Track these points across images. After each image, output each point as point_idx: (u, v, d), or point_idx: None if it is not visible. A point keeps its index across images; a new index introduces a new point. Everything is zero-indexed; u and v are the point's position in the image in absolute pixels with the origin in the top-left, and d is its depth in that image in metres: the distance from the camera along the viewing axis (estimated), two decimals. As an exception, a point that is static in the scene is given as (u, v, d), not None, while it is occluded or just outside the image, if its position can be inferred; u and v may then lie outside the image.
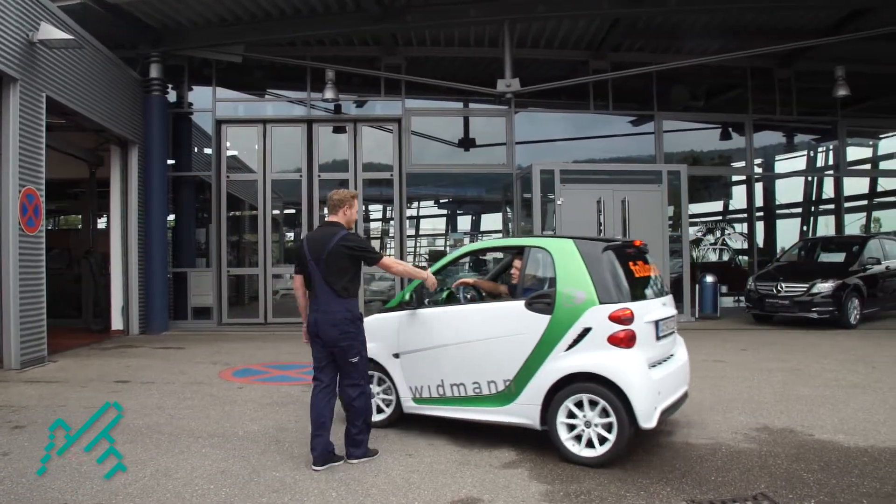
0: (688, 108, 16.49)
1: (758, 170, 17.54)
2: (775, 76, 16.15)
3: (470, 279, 6.66)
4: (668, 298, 5.95)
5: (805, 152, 18.65)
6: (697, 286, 14.48)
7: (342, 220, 5.46)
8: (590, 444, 5.08)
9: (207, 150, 15.34)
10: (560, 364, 5.19)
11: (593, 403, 5.10)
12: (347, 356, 5.25)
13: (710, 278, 14.57)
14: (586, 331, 5.15)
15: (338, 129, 15.75)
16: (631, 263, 5.59)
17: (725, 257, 18.74)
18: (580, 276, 5.31)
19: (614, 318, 5.09)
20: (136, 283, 13.67)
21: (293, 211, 16.54)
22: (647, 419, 4.96)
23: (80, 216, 19.30)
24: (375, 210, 17.54)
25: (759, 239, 17.86)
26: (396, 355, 6.06)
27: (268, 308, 15.15)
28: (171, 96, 15.18)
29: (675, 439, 5.67)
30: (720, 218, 19.00)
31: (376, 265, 5.43)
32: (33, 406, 7.07)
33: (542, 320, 5.33)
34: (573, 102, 16.32)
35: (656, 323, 5.40)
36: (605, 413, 5.05)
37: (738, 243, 18.49)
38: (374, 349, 5.86)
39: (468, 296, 6.23)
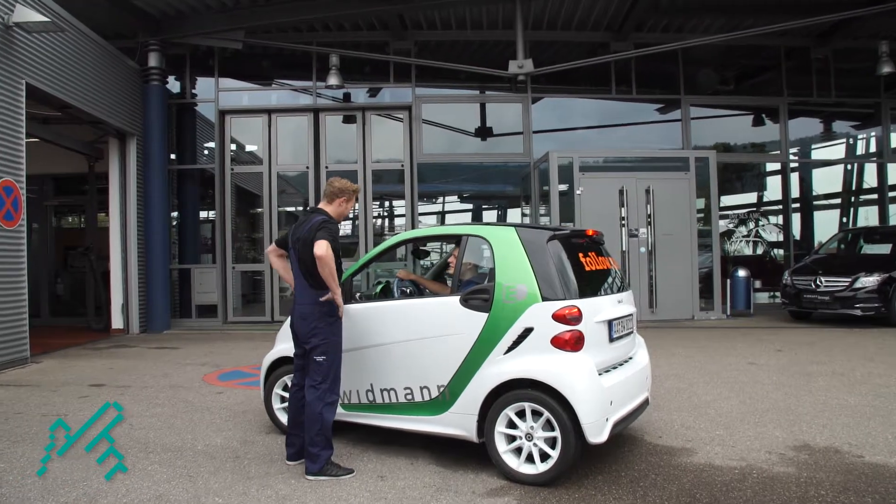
0: (717, 92, 15.43)
1: (793, 157, 16.42)
2: (812, 55, 15.01)
3: (410, 273, 5.91)
4: (626, 295, 5.25)
5: (845, 138, 17.44)
6: (729, 281, 13.50)
7: (332, 210, 4.93)
8: (531, 460, 4.42)
9: (212, 143, 14.75)
10: (498, 368, 4.53)
11: (537, 414, 4.42)
12: (312, 354, 4.70)
13: (742, 272, 13.56)
14: (527, 331, 4.49)
15: (346, 119, 15.03)
16: (581, 255, 4.91)
17: (759, 250, 17.64)
18: (521, 268, 4.62)
19: (559, 318, 4.41)
20: (135, 281, 13.14)
21: (300, 204, 15.86)
22: (596, 433, 4.29)
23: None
24: (385, 204, 16.73)
25: (796, 231, 16.74)
26: None
27: (274, 305, 14.52)
28: (175, 87, 14.68)
29: (697, 460, 4.82)
30: (753, 209, 17.88)
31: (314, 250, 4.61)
32: (-12, 414, 6.47)
33: (478, 319, 4.65)
34: (594, 88, 15.44)
35: (609, 323, 4.74)
36: (549, 425, 4.37)
37: (773, 235, 17.38)
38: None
39: (408, 291, 5.49)
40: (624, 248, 12.94)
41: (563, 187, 13.23)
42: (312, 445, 4.59)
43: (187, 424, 6.07)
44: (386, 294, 5.57)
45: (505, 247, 4.75)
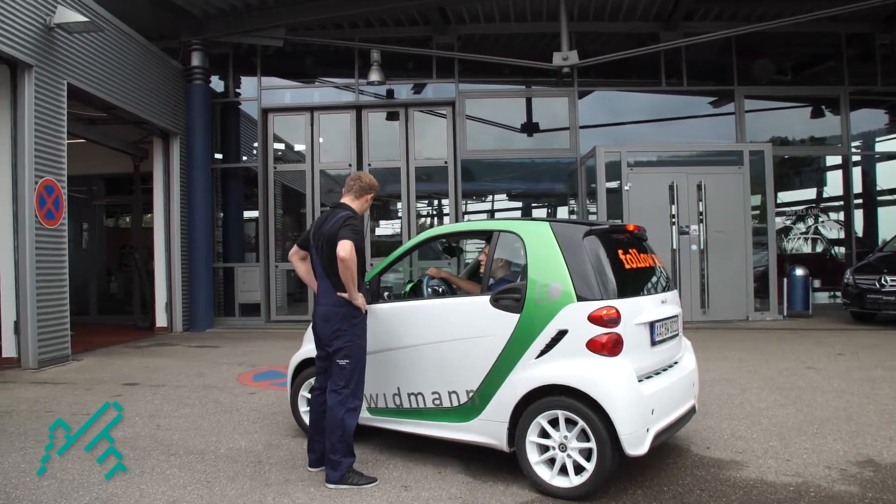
0: (773, 82, 14.72)
1: (855, 150, 15.58)
2: (876, 42, 14.17)
3: (442, 271, 5.62)
4: (671, 295, 4.88)
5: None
6: (786, 280, 12.85)
7: (356, 206, 4.71)
8: (564, 472, 4.10)
9: (255, 142, 14.74)
10: (530, 373, 4.23)
11: (571, 423, 4.10)
12: (335, 357, 4.47)
13: (800, 271, 12.89)
14: (561, 333, 4.17)
15: (388, 116, 14.83)
16: (621, 252, 4.55)
17: (819, 248, 16.83)
18: (555, 266, 4.30)
19: (595, 319, 4.08)
20: (178, 279, 13.20)
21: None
22: (635, 444, 3.96)
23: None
24: (429, 202, 16.49)
25: (858, 227, 15.87)
26: None
27: (317, 304, 14.39)
28: (219, 87, 14.70)
29: (748, 475, 4.42)
30: (812, 205, 17.06)
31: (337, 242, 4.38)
32: (20, 412, 6.43)
33: (509, 320, 4.34)
34: (643, 81, 14.87)
35: (651, 325, 4.39)
36: (584, 436, 4.04)
37: (834, 232, 16.55)
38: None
39: (440, 290, 5.21)
40: (674, 247, 12.44)
41: (613, 184, 12.78)
42: (333, 452, 4.36)
43: (214, 426, 5.92)
44: (416, 293, 5.34)
45: (538, 243, 4.45)
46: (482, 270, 5.12)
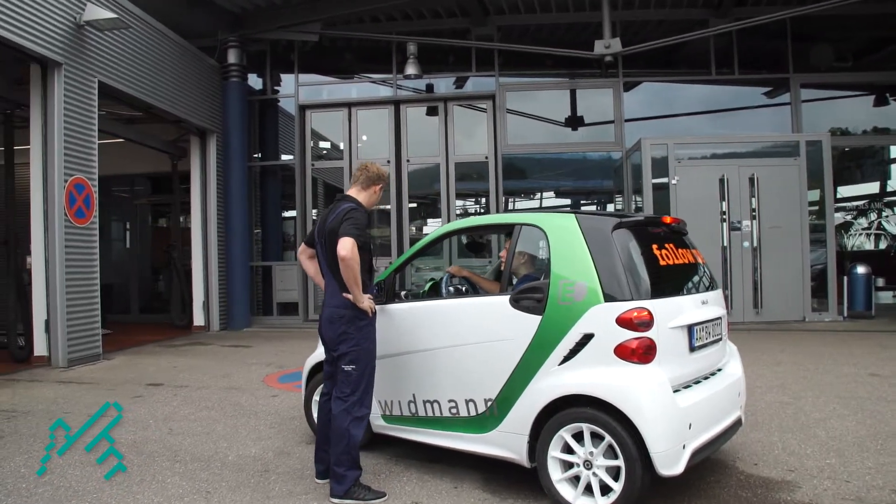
0: (832, 69, 13.86)
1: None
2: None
3: (464, 269, 5.22)
4: (714, 295, 4.38)
5: None
6: (846, 279, 12.07)
7: (364, 198, 4.36)
8: (590, 492, 3.68)
9: (293, 138, 14.58)
10: (552, 382, 3.83)
11: (597, 437, 3.67)
12: (340, 363, 4.14)
13: (861, 269, 12.09)
14: (587, 338, 3.76)
15: (427, 111, 14.50)
16: (656, 247, 4.08)
17: (882, 244, 15.86)
18: (580, 262, 3.88)
19: (624, 322, 3.65)
20: (216, 278, 13.12)
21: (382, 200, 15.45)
22: (669, 463, 3.53)
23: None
24: (469, 199, 16.09)
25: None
26: None
27: (354, 304, 14.15)
28: (256, 84, 14.59)
29: (800, 497, 3.91)
30: (876, 199, 16.09)
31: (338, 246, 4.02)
32: (36, 411, 6.29)
33: (531, 322, 3.94)
34: (692, 71, 14.18)
35: (689, 328, 3.94)
36: (612, 452, 3.61)
37: (899, 228, 15.62)
38: None
39: (463, 288, 4.81)
40: (725, 243, 11.79)
41: (660, 179, 12.18)
42: (338, 465, 4.03)
43: (228, 431, 5.67)
44: (436, 292, 4.97)
45: (562, 237, 4.04)
46: (502, 268, 4.73)
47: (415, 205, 14.89)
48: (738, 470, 4.39)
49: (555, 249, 4.03)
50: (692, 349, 3.94)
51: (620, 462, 3.57)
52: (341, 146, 14.48)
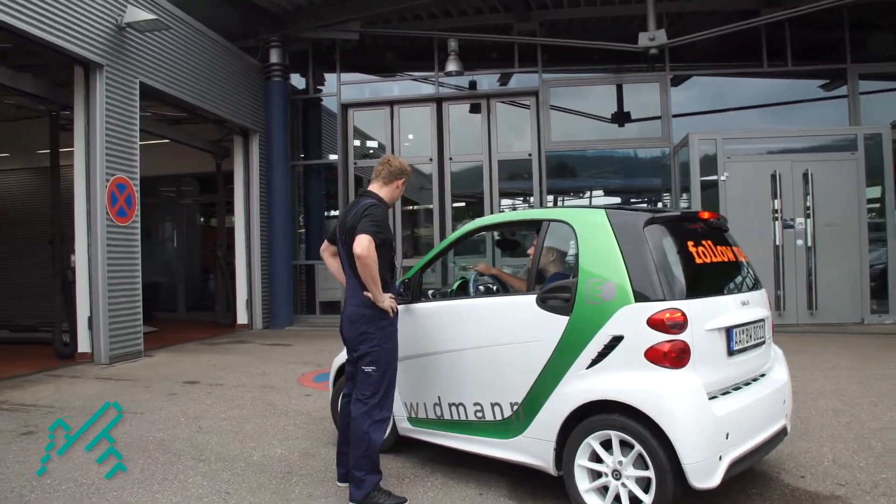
0: (893, 59, 13.16)
1: None
2: None
3: (492, 267, 5.02)
4: (756, 295, 4.09)
5: None
6: (909, 280, 11.46)
7: (384, 192, 4.24)
8: (619, 502, 3.50)
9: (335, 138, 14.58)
10: (579, 386, 3.63)
11: (627, 446, 3.45)
12: (361, 363, 4.00)
13: (926, 269, 11.46)
14: (616, 340, 3.54)
15: (470, 108, 14.32)
16: (692, 244, 3.83)
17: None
18: (610, 260, 3.66)
19: (655, 323, 3.43)
20: (258, 277, 13.22)
21: (425, 197, 15.33)
22: (703, 475, 3.30)
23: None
24: (514, 199, 15.83)
25: None
26: None
27: (396, 303, 14.07)
28: (299, 84, 14.63)
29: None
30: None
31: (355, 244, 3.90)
32: (73, 408, 6.34)
33: (557, 323, 3.74)
34: (742, 64, 13.66)
35: (727, 330, 3.68)
36: (642, 462, 3.39)
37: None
38: None
39: (494, 288, 4.63)
40: (777, 242, 11.32)
41: (709, 178, 11.76)
42: (357, 468, 3.90)
43: (257, 430, 5.60)
44: (464, 291, 4.81)
45: (591, 233, 3.83)
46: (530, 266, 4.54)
47: (463, 204, 14.75)
48: (783, 483, 4.10)
49: (583, 246, 3.83)
50: (731, 353, 3.68)
51: (651, 473, 3.35)
52: (384, 144, 14.42)
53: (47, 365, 8.58)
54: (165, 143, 13.30)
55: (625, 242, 3.68)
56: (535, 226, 4.40)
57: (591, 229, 3.84)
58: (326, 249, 4.42)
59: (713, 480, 3.30)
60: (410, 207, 15.36)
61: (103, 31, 8.91)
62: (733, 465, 3.42)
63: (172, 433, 5.51)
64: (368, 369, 3.97)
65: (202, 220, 17.34)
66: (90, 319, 8.85)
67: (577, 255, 3.86)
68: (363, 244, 3.78)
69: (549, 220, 4.21)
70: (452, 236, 4.84)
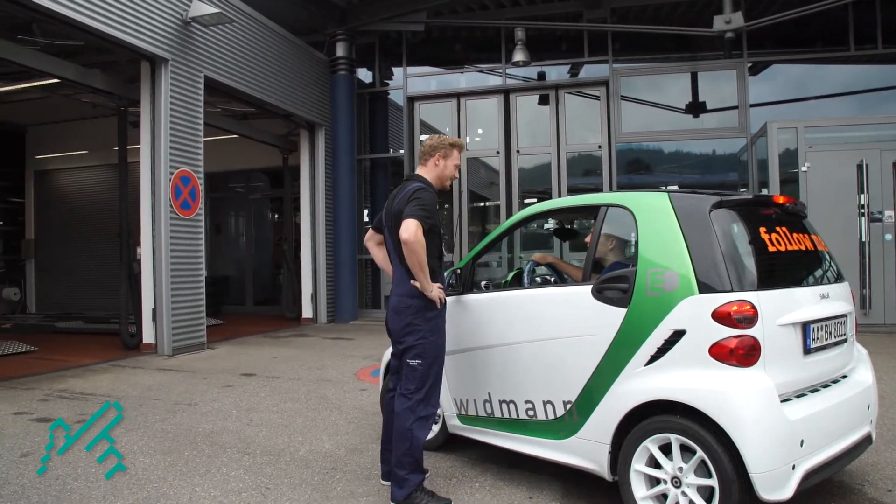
0: None
1: None
2: None
3: (549, 256, 4.70)
4: (838, 288, 3.70)
5: None
6: None
7: (429, 174, 4.01)
8: None
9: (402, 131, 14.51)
10: (637, 385, 3.33)
11: (688, 451, 3.12)
12: (406, 356, 3.80)
13: None
14: (677, 335, 3.22)
15: (538, 99, 13.98)
16: (764, 230, 3.44)
17: None
18: (672, 247, 3.34)
19: (721, 317, 3.10)
20: (323, 271, 13.25)
21: (491, 191, 15.08)
22: (773, 486, 2.96)
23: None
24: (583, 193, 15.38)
25: None
26: None
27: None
28: (366, 78, 14.62)
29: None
30: None
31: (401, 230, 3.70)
32: (130, 397, 6.39)
33: (614, 316, 3.43)
34: (827, 49, 12.84)
35: (804, 326, 3.31)
36: (705, 469, 3.06)
37: None
38: None
39: (551, 279, 4.34)
40: (863, 238, 10.56)
41: (789, 168, 11.10)
42: (400, 467, 3.70)
43: (307, 424, 5.49)
44: (519, 282, 4.56)
45: (652, 219, 3.52)
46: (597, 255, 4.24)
47: (535, 200, 14.41)
48: (867, 496, 3.69)
49: (643, 233, 3.53)
50: (807, 351, 3.32)
51: (714, 482, 3.03)
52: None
53: (113, 355, 8.76)
54: (235, 138, 13.49)
55: (689, 228, 3.36)
56: (593, 212, 4.10)
57: (652, 214, 3.54)
58: (371, 238, 4.23)
59: (784, 492, 2.96)
60: (481, 204, 15.15)
61: (169, 27, 9.02)
62: (808, 475, 3.07)
63: (222, 425, 5.46)
64: (414, 363, 3.77)
65: (271, 214, 17.52)
66: (154, 311, 8.98)
67: (636, 243, 3.57)
68: (410, 229, 3.58)
69: (608, 206, 3.91)
70: (505, 224, 4.59)
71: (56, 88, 11.66)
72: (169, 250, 8.93)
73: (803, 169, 10.75)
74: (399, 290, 3.86)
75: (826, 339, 3.46)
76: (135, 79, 9.43)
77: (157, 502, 3.80)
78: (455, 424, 4.46)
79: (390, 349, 4.88)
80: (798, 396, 3.29)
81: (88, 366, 8.11)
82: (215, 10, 9.21)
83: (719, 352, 3.11)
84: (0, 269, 16.36)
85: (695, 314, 3.20)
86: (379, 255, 4.19)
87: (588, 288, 3.65)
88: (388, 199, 4.02)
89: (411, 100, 14.21)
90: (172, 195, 9.02)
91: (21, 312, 15.61)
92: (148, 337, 9.05)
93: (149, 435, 5.14)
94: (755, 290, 3.19)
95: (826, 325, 3.46)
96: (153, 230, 8.99)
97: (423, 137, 14.24)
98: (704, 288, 3.20)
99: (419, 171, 4.03)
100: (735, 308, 3.10)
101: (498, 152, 13.82)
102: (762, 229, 3.46)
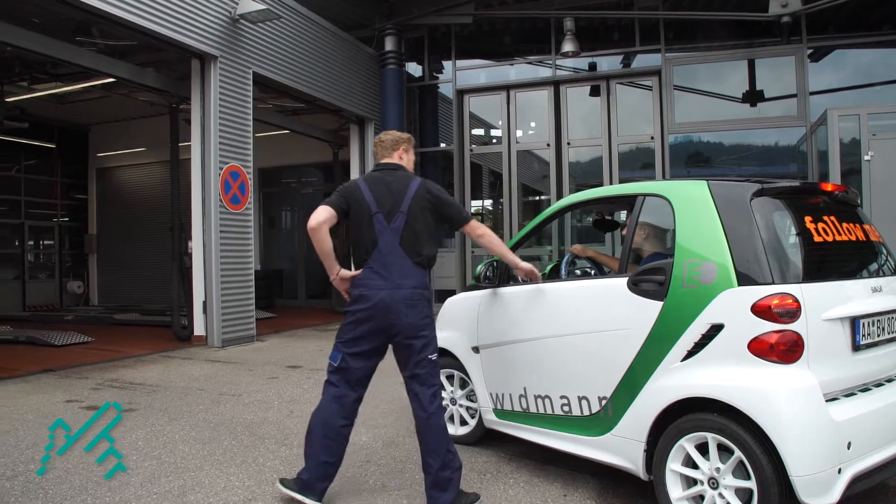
0: None
1: None
2: None
3: (588, 249, 4.56)
4: (892, 281, 3.45)
5: None
6: None
7: (409, 166, 3.92)
8: None
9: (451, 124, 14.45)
10: (673, 381, 3.19)
11: (725, 451, 2.97)
12: (426, 352, 3.67)
13: None
14: (715, 329, 3.06)
15: (589, 90, 13.74)
16: (810, 220, 3.25)
17: None
18: (710, 238, 3.18)
19: (760, 311, 2.94)
20: (371, 265, 13.28)
21: (542, 184, 14.92)
22: (816, 490, 2.79)
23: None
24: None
25: None
26: (476, 349, 4.47)
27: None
28: (415, 72, 14.60)
29: None
30: None
31: (463, 228, 3.77)
32: (177, 387, 6.52)
33: (650, 309, 3.28)
34: (891, 32, 12.24)
35: (853, 321, 3.14)
36: (743, 470, 2.90)
37: None
38: (449, 338, 4.54)
39: (591, 272, 4.22)
40: (932, 230, 10.02)
41: (853, 159, 10.61)
42: (445, 468, 3.53)
43: (346, 416, 5.49)
44: (557, 275, 4.46)
45: (689, 208, 3.38)
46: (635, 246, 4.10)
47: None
48: (924, 502, 3.49)
49: (681, 222, 3.38)
50: (856, 348, 3.13)
51: (752, 484, 2.88)
52: (500, 130, 14.12)
53: (165, 347, 8.98)
54: (287, 134, 13.67)
55: (728, 217, 3.20)
56: (631, 201, 3.97)
57: (689, 203, 3.39)
58: (329, 221, 3.62)
59: (829, 497, 2.79)
60: (535, 198, 15.00)
61: (217, 24, 9.16)
62: (856, 480, 2.89)
63: (263, 416, 5.51)
64: (434, 357, 3.70)
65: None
66: (205, 304, 9.15)
67: (674, 233, 3.43)
68: (477, 230, 3.87)
69: (645, 195, 3.77)
70: (542, 214, 4.48)
71: (113, 88, 11.99)
72: (219, 244, 9.08)
73: (866, 158, 10.26)
74: (409, 283, 3.60)
75: (878, 335, 3.26)
76: (186, 76, 9.61)
77: (192, 490, 3.84)
78: (491, 419, 4.39)
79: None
80: (846, 396, 3.11)
81: (140, 356, 8.32)
82: (263, 6, 9.30)
83: (759, 347, 2.95)
84: (66, 263, 17.01)
85: (733, 308, 3.05)
86: (327, 242, 3.67)
87: (624, 280, 3.53)
88: (373, 183, 3.71)
89: (461, 93, 14.12)
90: (222, 190, 9.17)
91: (84, 305, 16.20)
92: (199, 329, 9.23)
93: (191, 424, 5.22)
94: (798, 283, 3.02)
95: (878, 321, 3.27)
96: (203, 224, 9.15)
97: (474, 132, 14.18)
98: (744, 280, 3.05)
99: (389, 159, 3.85)
100: (776, 301, 2.94)
101: (548, 144, 13.63)
102: (808, 218, 3.27)
